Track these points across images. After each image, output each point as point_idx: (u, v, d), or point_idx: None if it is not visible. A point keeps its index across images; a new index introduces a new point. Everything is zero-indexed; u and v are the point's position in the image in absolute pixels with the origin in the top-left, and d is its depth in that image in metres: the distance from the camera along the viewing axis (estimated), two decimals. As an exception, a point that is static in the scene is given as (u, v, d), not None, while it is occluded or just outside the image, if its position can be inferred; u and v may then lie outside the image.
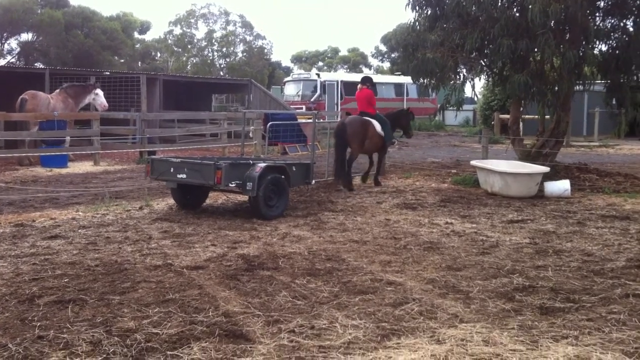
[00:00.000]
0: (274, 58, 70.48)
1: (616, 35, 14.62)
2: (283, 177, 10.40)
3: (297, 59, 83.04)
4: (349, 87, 36.92)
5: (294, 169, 10.89)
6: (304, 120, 22.63)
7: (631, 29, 14.39)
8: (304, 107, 33.18)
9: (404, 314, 5.60)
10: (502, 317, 5.56)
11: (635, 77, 14.70)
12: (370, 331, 5.19)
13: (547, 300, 6.02)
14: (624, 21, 14.65)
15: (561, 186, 12.51)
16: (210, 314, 5.53)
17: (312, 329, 5.24)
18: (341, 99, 35.89)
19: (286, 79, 41.05)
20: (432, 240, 8.58)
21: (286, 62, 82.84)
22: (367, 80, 15.23)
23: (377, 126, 13.87)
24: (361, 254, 7.82)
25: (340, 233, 9.02)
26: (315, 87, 35.29)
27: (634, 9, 14.28)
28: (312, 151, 12.57)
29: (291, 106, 32.09)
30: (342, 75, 46.99)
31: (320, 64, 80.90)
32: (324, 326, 5.29)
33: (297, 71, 63.36)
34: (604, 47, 14.93)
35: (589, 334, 5.15)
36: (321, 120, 24.45)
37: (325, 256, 7.64)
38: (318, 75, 37.19)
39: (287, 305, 5.83)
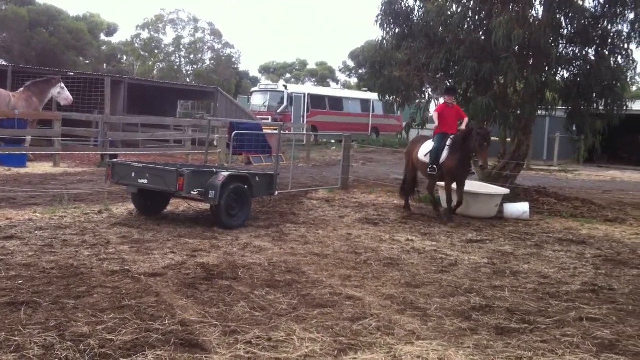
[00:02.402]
0: (241, 67, 70.38)
1: (578, 63, 14.97)
2: (246, 187, 10.35)
3: (265, 70, 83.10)
4: (315, 100, 37.05)
5: (258, 179, 10.85)
6: (269, 131, 22.58)
7: (592, 58, 14.74)
8: (270, 118, 33.15)
9: (361, 329, 5.60)
10: (459, 335, 5.60)
11: (595, 105, 15.03)
12: (327, 345, 5.18)
13: (503, 320, 6.09)
14: (586, 49, 15.00)
15: (520, 208, 12.72)
16: (166, 322, 5.45)
17: (269, 340, 5.20)
18: (307, 112, 35.95)
19: (253, 89, 40.99)
20: (393, 257, 8.62)
21: (254, 72, 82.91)
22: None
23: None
24: (321, 267, 7.81)
25: (302, 245, 9.00)
26: (282, 99, 35.29)
27: (595, 38, 14.64)
28: (276, 162, 12.54)
29: (257, 116, 32.02)
30: (310, 88, 47.17)
31: (288, 76, 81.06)
32: (281, 338, 5.26)
33: (264, 82, 63.34)
34: (566, 74, 15.28)
35: (542, 356, 5.21)
36: (287, 132, 24.47)
37: (285, 268, 7.61)
38: (285, 87, 37.22)
39: (245, 316, 5.78)
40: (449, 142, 12.01)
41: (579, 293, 7.26)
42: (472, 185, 13.69)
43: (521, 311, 6.41)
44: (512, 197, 13.54)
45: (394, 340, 5.39)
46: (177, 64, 60.91)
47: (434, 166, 12.09)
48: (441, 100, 13.64)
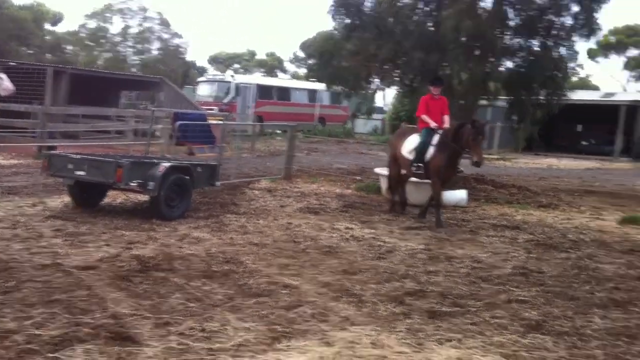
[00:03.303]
0: (190, 58, 69.38)
1: (522, 54, 15.29)
2: (187, 177, 10.27)
3: (214, 60, 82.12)
4: (263, 90, 36.90)
5: (199, 170, 10.77)
6: (214, 122, 22.37)
7: (537, 49, 15.08)
8: (216, 108, 32.86)
9: (296, 317, 5.65)
10: (392, 320, 5.71)
11: (536, 95, 15.41)
12: (261, 334, 5.20)
13: (435, 304, 6.22)
14: (531, 41, 15.33)
15: (458, 195, 12.97)
16: (97, 315, 5.38)
17: (202, 331, 5.19)
18: (254, 102, 35.79)
19: (200, 79, 40.55)
20: (331, 245, 8.69)
21: (203, 63, 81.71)
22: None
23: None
24: (260, 256, 7.82)
25: (241, 235, 8.99)
26: (229, 89, 35.03)
27: (540, 29, 14.97)
28: (219, 153, 12.46)
29: (203, 107, 31.69)
30: (257, 78, 46.91)
31: (237, 66, 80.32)
32: (215, 329, 5.26)
33: (212, 72, 62.68)
34: (510, 65, 15.60)
35: (472, 338, 5.35)
36: (231, 122, 24.31)
37: (223, 258, 7.59)
38: (233, 77, 36.95)
39: (179, 307, 5.75)
40: (436, 138, 10.89)
41: (510, 276, 7.47)
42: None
43: (453, 295, 6.56)
44: (451, 185, 13.77)
45: (328, 326, 5.46)
46: (124, 54, 59.70)
47: (420, 164, 10.96)
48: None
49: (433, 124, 10.95)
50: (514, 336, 5.43)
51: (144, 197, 10.80)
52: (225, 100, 34.33)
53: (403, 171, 11.64)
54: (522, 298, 6.57)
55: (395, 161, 11.77)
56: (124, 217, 9.78)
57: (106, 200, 10.98)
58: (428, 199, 11.24)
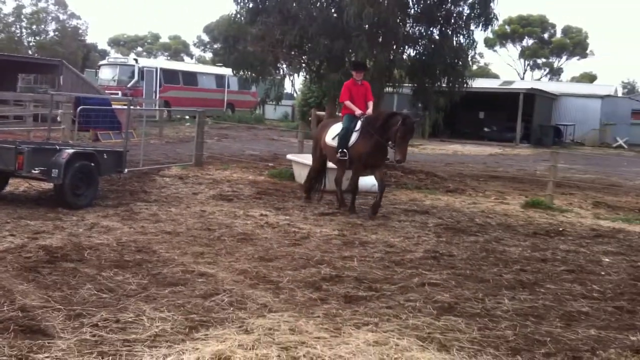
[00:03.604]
0: (89, 40, 66.96)
1: (423, 42, 15.66)
2: (93, 164, 9.92)
3: (115, 43, 79.55)
4: (168, 75, 36.10)
5: (105, 157, 10.43)
6: (119, 107, 21.71)
7: (437, 37, 15.47)
8: (119, 92, 31.87)
9: (213, 305, 5.59)
10: (309, 306, 5.74)
11: (439, 82, 15.82)
12: (178, 323, 5.11)
13: (351, 289, 6.30)
14: (431, 29, 15.72)
15: (369, 181, 13.08)
16: (4, 308, 5.13)
17: (117, 322, 5.05)
18: (160, 87, 34.95)
19: (101, 63, 39.14)
20: (246, 232, 8.64)
21: (103, 45, 78.99)
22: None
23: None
24: (173, 245, 7.68)
25: (153, 224, 8.79)
26: (133, 73, 34.04)
27: (440, 18, 15.37)
28: (125, 139, 12.10)
29: (106, 91, 30.67)
30: (162, 62, 45.84)
31: (140, 49, 78.21)
32: (129, 319, 5.13)
33: (114, 55, 60.64)
34: (412, 53, 15.95)
35: (387, 321, 5.46)
36: (137, 107, 23.67)
37: (135, 248, 7.41)
38: (136, 60, 35.93)
39: (91, 298, 5.57)
40: (359, 123, 10.49)
41: (422, 260, 7.67)
42: (325, 159, 13.98)
43: (368, 279, 6.67)
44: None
45: (246, 314, 5.42)
46: (18, 35, 56.82)
47: (344, 150, 10.50)
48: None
49: (358, 111, 10.60)
50: (428, 319, 5.57)
51: (48, 185, 10.35)
52: (129, 85, 33.36)
53: (329, 163, 11.29)
54: (435, 281, 6.76)
55: (319, 153, 11.39)
56: (28, 206, 9.37)
57: (8, 188, 10.45)
58: (347, 186, 10.99)
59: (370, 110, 10.70)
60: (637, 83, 75.06)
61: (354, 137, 10.47)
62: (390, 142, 10.08)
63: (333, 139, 10.80)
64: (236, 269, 6.80)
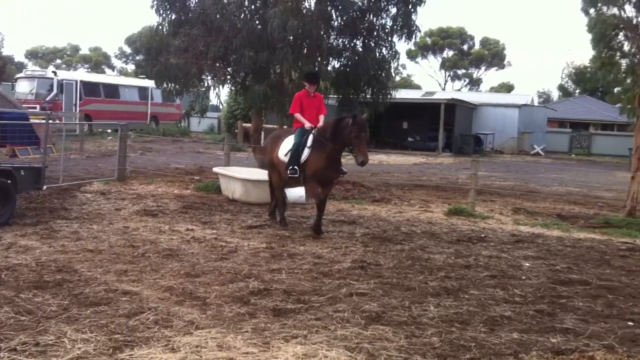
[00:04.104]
0: (5, 52, 64.44)
1: (347, 53, 15.85)
2: (9, 181, 9.55)
3: (32, 55, 77.00)
4: (89, 87, 35.18)
5: (23, 173, 10.06)
6: (36, 121, 20.98)
7: (360, 49, 15.69)
8: (38, 106, 30.80)
9: (138, 324, 5.45)
10: (237, 321, 5.68)
11: (363, 93, 16.02)
12: (101, 344, 4.97)
13: (280, 302, 6.27)
14: (354, 41, 15.93)
15: (297, 193, 13.15)
16: None
17: (36, 345, 4.87)
18: (80, 100, 34.00)
19: (19, 76, 37.73)
20: (172, 248, 8.49)
21: (20, 57, 76.30)
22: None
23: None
24: (96, 263, 7.46)
25: (74, 242, 8.52)
26: (52, 86, 32.99)
27: (362, 30, 15.60)
28: (44, 154, 11.70)
29: (24, 105, 29.59)
30: (82, 74, 44.59)
31: (59, 61, 75.99)
32: (50, 342, 4.96)
33: (31, 67, 58.66)
34: (337, 64, 16.11)
35: (316, 333, 5.46)
36: (57, 122, 22.96)
37: (55, 267, 7.17)
38: (55, 73, 34.84)
39: (9, 321, 5.35)
40: (311, 136, 9.86)
41: (350, 270, 7.72)
42: (252, 172, 13.94)
43: (297, 291, 6.66)
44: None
45: (172, 332, 5.32)
46: None
47: (295, 167, 9.84)
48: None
49: (307, 125, 10.03)
50: (356, 328, 5.61)
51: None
52: (48, 98, 32.30)
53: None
54: (362, 291, 6.81)
55: (274, 167, 10.64)
56: (-62, 227, 8.91)
57: None
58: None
59: (321, 124, 10.11)
60: (552, 92, 78.23)
61: (306, 152, 9.83)
62: (348, 147, 9.53)
63: (285, 155, 10.11)
64: (161, 286, 6.66)
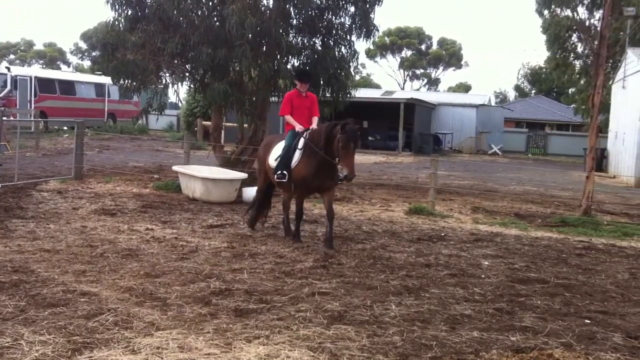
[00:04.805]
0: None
1: (306, 52, 15.81)
2: (-38, 180, 9.31)
3: (-16, 51, 75.18)
4: (44, 83, 34.46)
5: (-24, 172, 9.81)
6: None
7: (319, 47, 15.68)
8: (-9, 103, 30.06)
9: (97, 326, 5.36)
10: (199, 322, 5.63)
11: (323, 92, 16.01)
12: (60, 346, 4.88)
13: (241, 302, 6.24)
14: (313, 39, 15.91)
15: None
16: None
17: (-8, 348, 4.75)
18: (35, 96, 33.28)
19: (-29, 72, 36.79)
20: (131, 247, 8.37)
21: (-29, 53, 74.44)
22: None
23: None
24: (53, 264, 7.31)
25: (30, 242, 8.35)
26: (5, 82, 32.20)
27: (321, 28, 15.59)
28: (-2, 152, 11.43)
29: (-24, 102, 28.85)
30: (37, 70, 43.64)
31: (12, 57, 74.32)
32: (7, 344, 4.87)
33: (-17, 63, 57.20)
34: (296, 62, 16.05)
35: (279, 333, 5.44)
36: (11, 118, 22.44)
37: (11, 267, 7.01)
38: (8, 69, 34.00)
39: (-38, 324, 5.20)
40: (302, 140, 9.15)
41: (312, 269, 7.72)
42: (213, 170, 13.85)
43: (259, 291, 6.63)
44: (251, 181, 13.91)
45: (133, 333, 5.25)
46: None
47: (284, 172, 9.10)
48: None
49: (298, 127, 9.31)
50: (319, 328, 5.61)
51: None
52: (1, 95, 31.55)
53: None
54: (324, 290, 6.82)
55: (264, 176, 9.95)
56: None
57: None
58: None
59: (314, 126, 9.35)
60: (509, 93, 79.59)
61: (297, 156, 9.11)
62: (336, 159, 8.67)
63: (275, 159, 9.40)
64: (121, 286, 6.56)
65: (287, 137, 9.40)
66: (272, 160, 9.51)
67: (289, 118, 9.59)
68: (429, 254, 9.04)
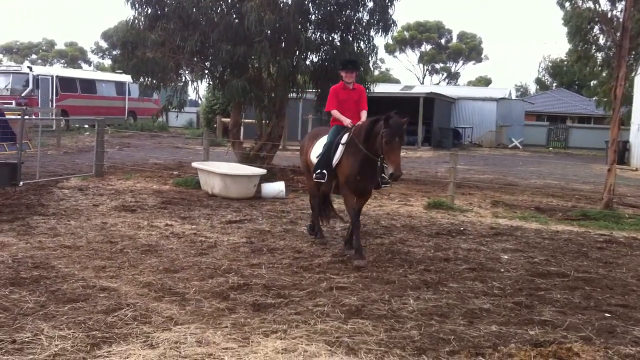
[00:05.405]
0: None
1: (325, 47, 15.79)
2: (-16, 178, 9.43)
3: (8, 50, 76.11)
4: (65, 82, 34.80)
5: (-2, 169, 9.94)
6: (12, 117, 20.71)
7: (338, 43, 15.65)
8: (13, 102, 30.41)
9: (116, 321, 5.41)
10: (217, 316, 5.65)
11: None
12: (79, 341, 4.93)
13: (259, 297, 6.26)
14: (332, 35, 15.88)
15: (277, 187, 13.16)
16: None
17: (13, 343, 4.83)
18: (57, 95, 33.62)
19: (-7, 71, 37.22)
20: (151, 243, 8.43)
21: (-5, 53, 75.40)
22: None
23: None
24: (73, 259, 7.39)
25: (51, 238, 8.44)
26: (27, 81, 32.54)
27: (340, 24, 15.55)
28: (19, 150, 11.55)
29: (-1, 101, 29.20)
30: (58, 70, 44.07)
31: (34, 56, 75.20)
32: (27, 339, 4.92)
33: (6, 63, 57.89)
34: (315, 58, 16.03)
35: (296, 327, 5.45)
36: (32, 117, 22.69)
37: (32, 264, 7.09)
38: (30, 68, 34.38)
39: (-16, 319, 5.28)
40: (346, 136, 8.28)
41: (330, 264, 7.72)
42: (231, 166, 13.89)
43: (277, 286, 6.64)
44: (269, 177, 13.97)
45: (151, 328, 5.29)
46: None
47: (323, 171, 8.34)
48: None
49: (347, 121, 8.43)
50: (336, 323, 5.61)
51: None
52: (24, 94, 31.90)
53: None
54: (342, 285, 6.82)
55: (308, 171, 9.08)
56: None
57: None
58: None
59: (363, 119, 8.59)
60: (529, 86, 78.89)
61: (339, 152, 8.25)
62: (380, 156, 7.75)
63: (317, 157, 8.64)
64: (140, 281, 6.62)
65: (330, 133, 8.58)
66: (314, 156, 8.76)
67: (335, 113, 8.67)
68: (448, 248, 8.99)
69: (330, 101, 8.77)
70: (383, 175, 7.97)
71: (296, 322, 5.57)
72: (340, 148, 8.22)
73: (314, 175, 8.47)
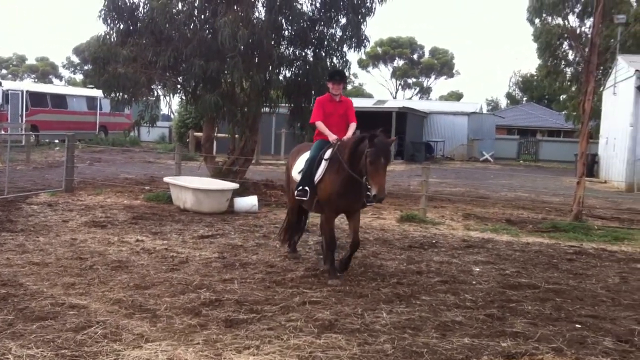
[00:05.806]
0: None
1: (298, 63, 15.84)
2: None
3: (-24, 65, 75.15)
4: (36, 97, 34.42)
5: (-35, 186, 9.76)
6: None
7: (311, 58, 15.71)
8: (-18, 117, 29.98)
9: (86, 339, 5.32)
10: (188, 333, 5.59)
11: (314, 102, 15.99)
12: (47, 360, 4.83)
13: (232, 312, 6.20)
14: (305, 50, 15.94)
15: (249, 202, 13.12)
16: None
17: (-21, 363, 4.71)
18: (27, 110, 33.21)
19: (-39, 86, 36.66)
20: (121, 259, 8.33)
21: (-37, 68, 74.42)
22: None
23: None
24: (42, 277, 7.27)
25: (19, 255, 8.30)
26: (-4, 97, 32.15)
27: (313, 40, 15.62)
28: (-13, 166, 11.38)
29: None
30: (29, 85, 43.56)
31: (4, 71, 74.31)
32: (-7, 359, 4.80)
33: (-25, 78, 57.03)
34: (288, 73, 16.07)
35: (269, 343, 5.41)
36: (2, 132, 22.37)
37: (-1, 281, 6.95)
38: (0, 83, 33.98)
39: (-52, 340, 5.15)
40: (330, 151, 7.93)
41: (303, 278, 7.69)
42: (204, 181, 13.82)
43: (249, 301, 6.59)
44: (242, 191, 13.91)
45: (122, 345, 5.21)
46: None
47: (305, 188, 7.90)
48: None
49: (332, 137, 8.00)
50: (310, 337, 5.58)
51: None
52: (-7, 109, 31.48)
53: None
54: (315, 299, 6.79)
55: (290, 186, 8.79)
56: None
57: None
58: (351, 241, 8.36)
59: (349, 134, 8.22)
60: (500, 100, 79.97)
61: (321, 169, 7.87)
62: (364, 175, 7.36)
63: (299, 172, 8.28)
64: (110, 298, 6.52)
65: (313, 148, 8.19)
66: (296, 172, 8.39)
67: (320, 125, 8.24)
68: (420, 261, 9.03)
69: (315, 112, 8.37)
70: (368, 193, 7.44)
71: (269, 338, 5.52)
72: (323, 164, 7.86)
73: (295, 192, 8.07)
